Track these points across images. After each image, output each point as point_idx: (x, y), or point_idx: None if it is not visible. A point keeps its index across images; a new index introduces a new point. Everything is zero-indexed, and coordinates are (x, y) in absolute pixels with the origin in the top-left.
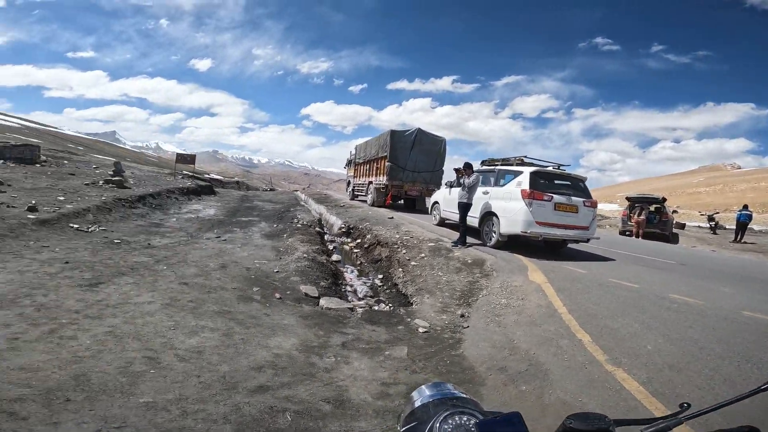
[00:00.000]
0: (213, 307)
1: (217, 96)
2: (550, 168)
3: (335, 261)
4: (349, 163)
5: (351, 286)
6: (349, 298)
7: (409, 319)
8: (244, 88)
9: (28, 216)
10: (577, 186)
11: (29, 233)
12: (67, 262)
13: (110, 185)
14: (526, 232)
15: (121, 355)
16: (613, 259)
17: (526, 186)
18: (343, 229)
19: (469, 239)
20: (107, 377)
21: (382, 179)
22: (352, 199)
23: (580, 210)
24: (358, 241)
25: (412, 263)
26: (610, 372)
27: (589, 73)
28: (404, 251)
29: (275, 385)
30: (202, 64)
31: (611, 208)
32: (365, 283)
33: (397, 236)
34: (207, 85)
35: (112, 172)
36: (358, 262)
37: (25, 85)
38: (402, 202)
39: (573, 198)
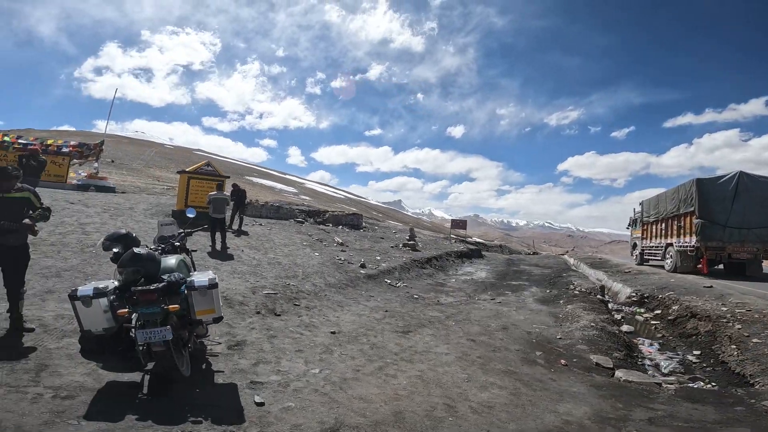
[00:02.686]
0: (499, 366)
1: (474, 161)
2: None
3: (626, 332)
4: (633, 222)
5: (650, 360)
6: (650, 372)
7: (752, 401)
8: (496, 149)
9: (360, 271)
10: None
11: (362, 284)
12: (386, 311)
13: (407, 248)
14: None
15: (427, 399)
16: None
17: None
18: (634, 298)
19: None
20: (416, 418)
21: (689, 240)
22: (639, 263)
23: None
24: (658, 311)
25: (754, 340)
26: None
27: None
28: (739, 326)
29: None
30: (456, 131)
31: None
32: (671, 358)
33: (725, 308)
34: (464, 150)
35: (408, 237)
36: (659, 335)
37: (344, 162)
38: (722, 267)
39: None
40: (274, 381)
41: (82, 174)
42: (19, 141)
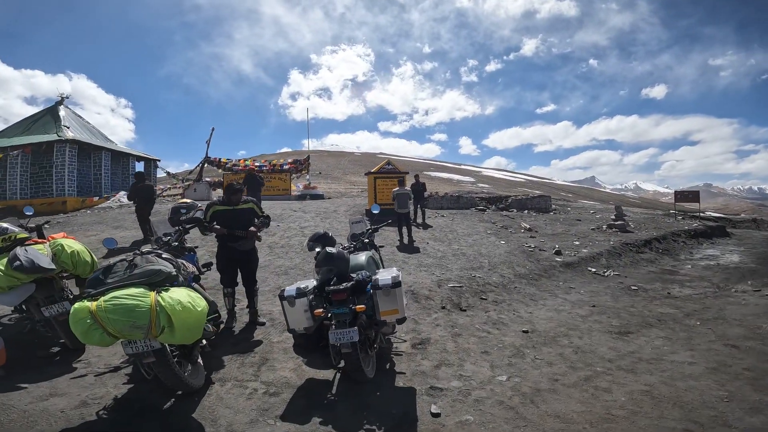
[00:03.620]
0: None
1: (691, 121)
2: None
3: None
4: None
5: None
6: None
7: None
8: (722, 104)
9: (556, 259)
10: None
11: (558, 274)
12: (593, 306)
13: (613, 229)
14: None
15: (658, 423)
16: None
17: None
18: None
19: None
20: None
21: None
22: None
23: None
24: None
25: None
26: None
27: None
28: None
29: None
30: (657, 92)
31: None
32: None
33: None
34: (673, 112)
35: (614, 216)
36: None
37: (519, 145)
38: None
39: None
40: (455, 388)
41: (299, 186)
42: (255, 164)
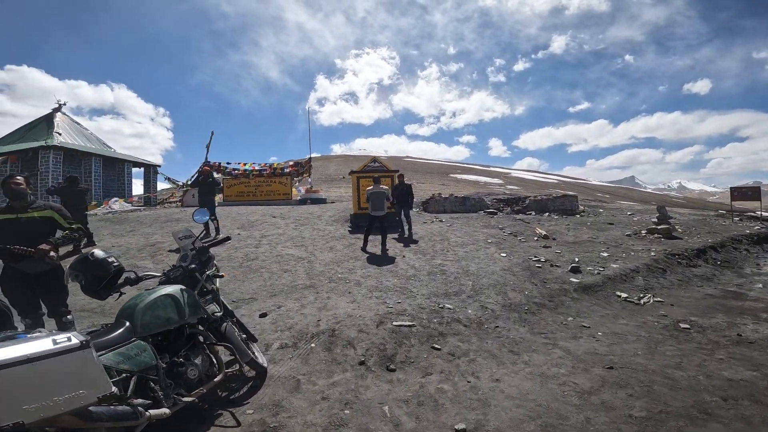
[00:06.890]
0: None
1: (738, 117)
2: None
3: None
4: None
5: None
6: None
7: None
8: None
9: (571, 279)
10: None
11: (569, 303)
12: (610, 367)
13: (655, 235)
14: None
15: None
16: None
17: None
18: None
19: None
20: None
21: None
22: None
23: None
24: None
25: None
26: None
27: None
28: None
29: None
30: (700, 86)
31: None
32: None
33: None
34: (717, 107)
35: (656, 219)
36: None
37: (551, 145)
38: None
39: None
40: None
41: (301, 190)
42: (256, 167)
